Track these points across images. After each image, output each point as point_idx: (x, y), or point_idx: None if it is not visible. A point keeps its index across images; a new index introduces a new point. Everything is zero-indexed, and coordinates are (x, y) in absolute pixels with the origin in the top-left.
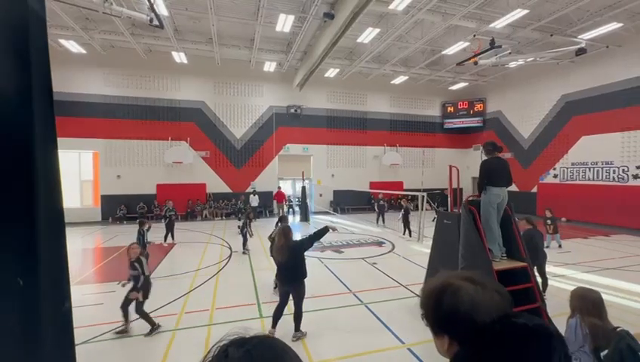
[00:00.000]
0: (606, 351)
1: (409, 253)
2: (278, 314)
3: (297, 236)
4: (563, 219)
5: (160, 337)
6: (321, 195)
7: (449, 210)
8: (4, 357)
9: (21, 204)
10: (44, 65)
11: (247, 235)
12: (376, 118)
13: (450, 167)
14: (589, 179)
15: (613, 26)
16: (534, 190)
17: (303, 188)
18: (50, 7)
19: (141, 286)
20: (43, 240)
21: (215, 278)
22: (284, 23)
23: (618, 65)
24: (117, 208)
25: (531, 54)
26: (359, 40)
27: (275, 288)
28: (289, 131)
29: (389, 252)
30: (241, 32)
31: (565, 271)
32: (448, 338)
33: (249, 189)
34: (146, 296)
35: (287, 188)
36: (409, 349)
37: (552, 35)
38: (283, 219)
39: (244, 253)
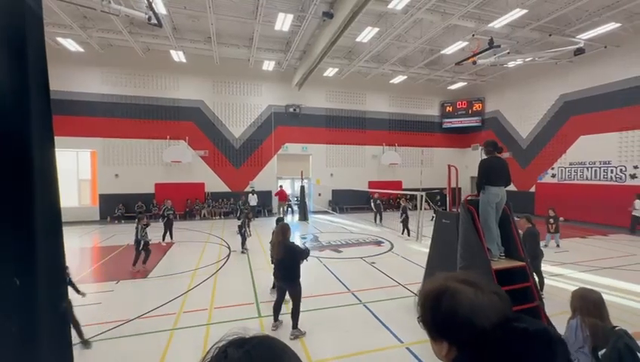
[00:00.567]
0: (604, 350)
1: (408, 253)
2: (277, 308)
3: (296, 236)
4: (561, 218)
5: (158, 337)
6: (320, 195)
7: (448, 209)
8: (1, 358)
9: (18, 204)
10: (41, 64)
11: (246, 235)
12: (375, 118)
13: (449, 166)
14: (586, 179)
15: (612, 26)
16: (532, 189)
17: (302, 187)
18: (48, 5)
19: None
20: (40, 240)
21: (214, 278)
22: (283, 21)
23: (616, 65)
24: (115, 207)
25: (530, 54)
26: (358, 39)
27: (272, 288)
28: (288, 130)
29: (387, 251)
30: (239, 30)
31: (563, 271)
32: (447, 343)
33: (248, 189)
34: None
35: (287, 187)
36: (407, 348)
37: (550, 35)
38: (280, 221)
39: (242, 252)
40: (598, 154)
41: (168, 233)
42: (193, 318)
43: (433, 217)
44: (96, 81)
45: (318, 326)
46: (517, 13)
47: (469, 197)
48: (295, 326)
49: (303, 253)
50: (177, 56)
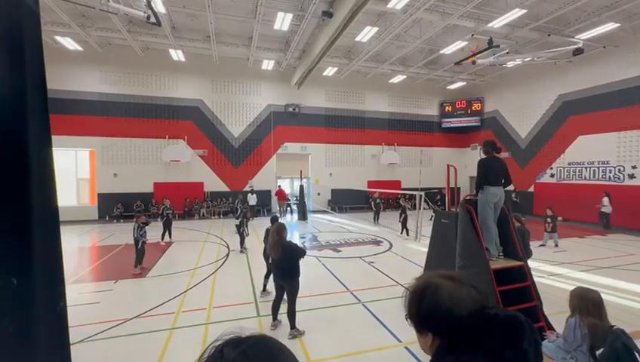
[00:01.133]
0: (602, 350)
1: (406, 252)
2: (276, 307)
3: (296, 236)
4: (560, 218)
5: (157, 336)
6: (319, 194)
7: (446, 209)
8: None
9: (15, 203)
10: (38, 62)
11: (245, 234)
12: (375, 117)
13: (448, 166)
14: (585, 179)
15: (611, 26)
16: (531, 189)
17: (301, 186)
18: (46, 4)
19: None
20: (37, 240)
21: (212, 277)
22: (283, 21)
23: (615, 65)
24: (114, 206)
25: (529, 54)
26: (357, 39)
27: (262, 291)
28: (287, 130)
29: (386, 251)
30: (239, 30)
31: (562, 270)
32: (432, 335)
33: (247, 188)
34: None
35: (286, 187)
36: (406, 347)
37: (549, 35)
38: (274, 220)
39: (241, 251)
40: (596, 154)
41: (167, 232)
42: (192, 317)
43: (432, 216)
44: (95, 80)
45: (317, 325)
46: (516, 13)
47: (468, 197)
48: (293, 326)
49: (300, 251)
50: (176, 55)
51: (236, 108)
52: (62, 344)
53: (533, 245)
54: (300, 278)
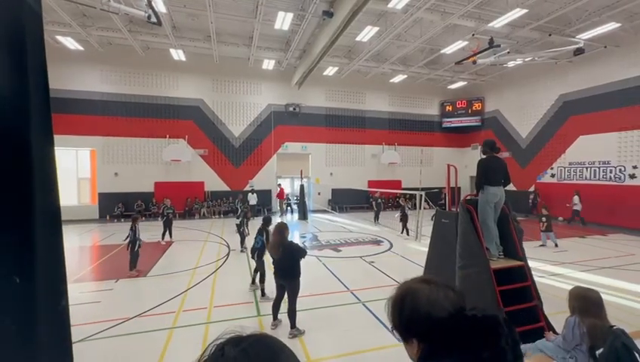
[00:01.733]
0: (601, 350)
1: (407, 252)
2: (276, 306)
3: (296, 235)
4: (560, 218)
5: (157, 335)
6: (319, 194)
7: (447, 208)
8: (0, 356)
9: (17, 202)
10: (40, 62)
11: (245, 234)
12: (375, 117)
13: (449, 165)
14: (586, 179)
15: (612, 26)
16: (532, 189)
17: (302, 186)
18: (48, 3)
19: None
20: (39, 239)
21: (213, 276)
22: (283, 20)
23: (616, 65)
24: (114, 206)
25: (530, 54)
26: (358, 38)
27: (252, 283)
28: (287, 129)
29: (386, 250)
30: (239, 29)
31: (562, 270)
32: (416, 341)
33: (247, 188)
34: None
35: (286, 186)
36: None
37: (550, 35)
38: (267, 220)
39: (242, 251)
40: (597, 154)
41: (168, 232)
42: (192, 317)
43: (434, 216)
44: (96, 79)
45: (317, 324)
46: (517, 13)
47: (468, 197)
48: (293, 325)
49: (301, 252)
50: (177, 54)
51: (237, 107)
52: (64, 342)
53: (533, 245)
54: (300, 278)
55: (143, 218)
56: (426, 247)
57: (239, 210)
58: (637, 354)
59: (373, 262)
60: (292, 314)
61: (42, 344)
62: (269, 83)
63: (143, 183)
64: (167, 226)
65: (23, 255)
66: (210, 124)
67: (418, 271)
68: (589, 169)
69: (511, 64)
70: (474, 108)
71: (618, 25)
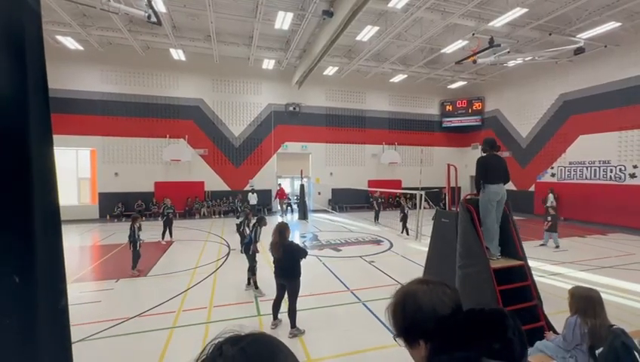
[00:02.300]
0: (601, 349)
1: (407, 252)
2: (276, 306)
3: (296, 235)
4: (561, 218)
5: (158, 335)
6: (319, 193)
7: (447, 208)
8: (1, 355)
9: (16, 203)
10: (39, 61)
11: (245, 233)
12: (375, 117)
13: (449, 165)
14: (586, 178)
15: (612, 25)
16: (532, 189)
17: (302, 186)
18: (47, 3)
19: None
20: (39, 238)
21: (213, 276)
22: (283, 20)
23: (616, 64)
24: (114, 206)
25: (530, 53)
26: (358, 38)
27: (247, 284)
28: (288, 129)
29: (386, 250)
30: (239, 29)
31: (562, 270)
32: (423, 342)
33: (247, 187)
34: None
35: (286, 186)
36: None
37: (550, 34)
38: (261, 220)
39: (242, 251)
40: (597, 153)
41: (168, 231)
42: (193, 317)
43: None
44: (96, 79)
45: (317, 324)
46: (517, 12)
47: (468, 197)
48: (293, 325)
49: (302, 252)
50: (177, 54)
51: (237, 107)
52: (64, 342)
53: (533, 244)
54: (300, 278)
55: (144, 218)
56: (426, 247)
57: (239, 210)
58: (637, 354)
59: (373, 261)
60: (292, 313)
61: (42, 344)
62: (269, 83)
63: (143, 183)
64: (168, 226)
65: (23, 255)
66: (210, 124)
67: (418, 271)
68: (589, 168)
69: (511, 63)
70: (474, 107)
71: (618, 24)
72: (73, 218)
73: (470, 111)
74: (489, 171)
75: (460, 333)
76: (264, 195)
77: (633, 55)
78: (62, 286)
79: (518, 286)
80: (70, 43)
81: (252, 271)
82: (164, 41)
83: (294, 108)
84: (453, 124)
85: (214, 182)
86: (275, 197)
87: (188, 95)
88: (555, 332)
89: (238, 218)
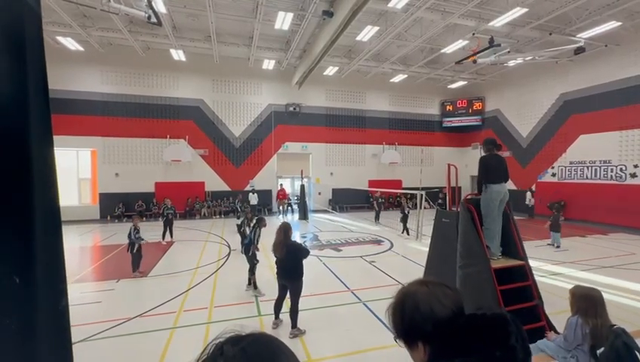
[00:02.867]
0: (602, 349)
1: (407, 252)
2: (278, 306)
3: (297, 235)
4: (562, 217)
5: (158, 335)
6: (320, 193)
7: (447, 208)
8: (1, 355)
9: (17, 203)
10: (39, 62)
11: (245, 234)
12: (375, 117)
13: (449, 165)
14: (587, 178)
15: (612, 24)
16: (533, 188)
17: (302, 186)
18: (48, 4)
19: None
20: (39, 239)
21: (213, 276)
22: (283, 20)
23: (616, 64)
24: (115, 206)
25: (530, 53)
26: (358, 38)
27: (248, 284)
28: (288, 129)
29: (387, 250)
30: (239, 29)
31: (563, 270)
32: (422, 345)
33: (248, 188)
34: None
35: (287, 186)
36: None
37: (550, 34)
38: (260, 221)
39: (242, 251)
40: (598, 153)
41: (168, 232)
42: (193, 317)
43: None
44: (96, 79)
45: (318, 324)
46: (517, 12)
47: (469, 196)
48: (294, 325)
49: (304, 252)
50: (177, 54)
51: (237, 107)
52: (64, 343)
53: (534, 244)
54: (303, 278)
55: (144, 218)
56: (426, 247)
57: (239, 210)
58: (638, 354)
59: (373, 261)
60: (294, 314)
61: (42, 344)
62: (269, 83)
63: (143, 183)
64: (168, 226)
65: (23, 255)
66: (211, 124)
67: (419, 271)
68: (589, 168)
69: (511, 63)
70: (474, 107)
71: (619, 24)
72: (74, 218)
73: (470, 111)
74: (491, 171)
75: (460, 339)
76: (264, 195)
77: (633, 54)
78: (62, 286)
79: (519, 286)
80: (70, 44)
81: (252, 271)
82: (164, 41)
83: (294, 109)
84: (453, 124)
85: (215, 183)
86: (277, 198)
87: (188, 95)
88: (556, 332)
89: (238, 218)
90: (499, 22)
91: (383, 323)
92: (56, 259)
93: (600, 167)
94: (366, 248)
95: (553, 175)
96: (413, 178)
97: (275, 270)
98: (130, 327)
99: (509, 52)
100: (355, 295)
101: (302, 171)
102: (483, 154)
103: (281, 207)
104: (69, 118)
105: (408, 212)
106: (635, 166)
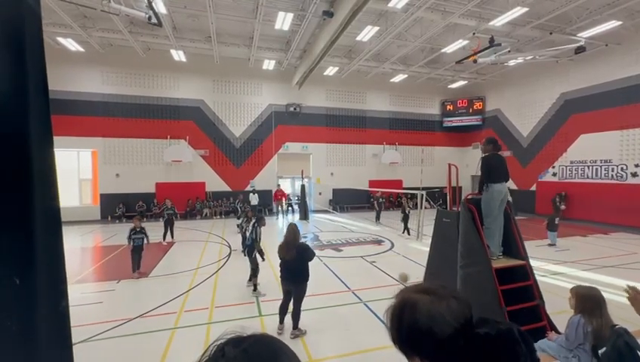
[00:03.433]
0: (604, 349)
1: (408, 252)
2: (283, 310)
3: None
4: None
5: (159, 336)
6: (320, 194)
7: (448, 208)
8: (1, 357)
9: (17, 204)
10: (39, 62)
11: (247, 234)
12: (376, 117)
13: (450, 165)
14: (587, 178)
15: (613, 24)
16: (533, 188)
17: (303, 186)
18: (48, 5)
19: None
20: (39, 240)
21: (214, 277)
22: (283, 20)
23: (617, 63)
24: (116, 207)
25: (530, 52)
26: (358, 38)
27: (249, 280)
28: (288, 130)
29: (388, 250)
30: (240, 30)
31: (564, 269)
32: (419, 359)
33: (248, 188)
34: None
35: (287, 186)
36: None
37: (551, 33)
38: (260, 220)
39: (243, 251)
40: (599, 152)
41: (169, 232)
42: (194, 317)
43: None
44: (97, 80)
45: (319, 325)
46: (517, 12)
47: (470, 196)
48: (295, 326)
49: (311, 253)
50: (177, 55)
51: (237, 108)
52: (64, 343)
53: (535, 244)
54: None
55: (144, 218)
56: (427, 247)
57: (239, 211)
58: (639, 353)
59: (374, 261)
60: (297, 315)
61: (42, 345)
62: (269, 83)
63: (144, 184)
64: (169, 227)
65: (24, 256)
66: (211, 125)
67: (420, 271)
68: (590, 167)
69: (512, 63)
70: (475, 107)
71: (619, 23)
72: (75, 219)
73: (471, 110)
74: (492, 170)
75: (460, 360)
76: (265, 196)
77: (634, 54)
78: (62, 287)
79: (520, 285)
80: (71, 44)
81: (254, 274)
82: (164, 42)
83: (295, 109)
84: (453, 124)
85: (215, 183)
86: (275, 199)
87: (188, 96)
88: (557, 331)
89: (238, 218)
90: (499, 21)
91: (384, 324)
92: (56, 259)
93: (601, 167)
94: (367, 248)
95: (554, 174)
96: (413, 178)
97: (279, 273)
98: (131, 328)
99: (509, 51)
100: (355, 295)
101: (302, 171)
102: (483, 153)
103: (279, 208)
104: (70, 119)
105: (409, 212)
106: (636, 165)
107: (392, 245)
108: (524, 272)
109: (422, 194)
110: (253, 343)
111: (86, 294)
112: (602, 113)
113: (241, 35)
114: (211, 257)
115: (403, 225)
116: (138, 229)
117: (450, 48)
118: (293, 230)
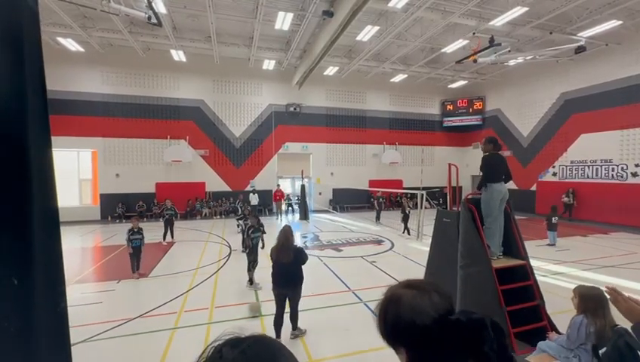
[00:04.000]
0: (604, 349)
1: (408, 252)
2: (279, 322)
3: (297, 235)
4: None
5: (159, 336)
6: (320, 194)
7: (448, 207)
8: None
9: (15, 204)
10: (37, 62)
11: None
12: (376, 116)
13: (450, 165)
14: (588, 177)
15: (613, 23)
16: (533, 188)
17: (303, 186)
18: (48, 5)
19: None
20: (38, 240)
21: (214, 277)
22: (283, 20)
23: (617, 63)
24: (116, 207)
25: (531, 52)
26: (358, 38)
27: (250, 284)
28: (288, 130)
29: (388, 250)
30: (240, 30)
31: (565, 269)
32: (405, 351)
33: (248, 188)
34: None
35: (287, 186)
36: None
37: (551, 33)
38: (256, 218)
39: (243, 251)
40: (599, 152)
41: (169, 232)
42: (194, 317)
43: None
44: (97, 80)
45: (319, 325)
46: (518, 11)
47: (470, 196)
48: (295, 327)
49: (305, 255)
50: (177, 55)
51: (237, 108)
52: (63, 344)
53: (535, 244)
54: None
55: (144, 219)
56: (427, 247)
57: (239, 211)
58: None
59: (374, 261)
60: (295, 317)
61: (41, 346)
62: (269, 83)
63: (144, 184)
64: (169, 227)
65: (22, 256)
66: (211, 125)
67: (420, 271)
68: (590, 167)
69: (512, 63)
70: (475, 107)
71: (619, 22)
72: (75, 219)
73: (471, 110)
74: (492, 170)
75: (434, 347)
76: (265, 196)
77: (634, 53)
78: (61, 288)
79: (521, 285)
80: (71, 44)
81: (253, 265)
82: (164, 42)
83: (295, 109)
84: (454, 124)
85: (215, 183)
86: (274, 200)
87: (188, 96)
88: (557, 332)
89: (238, 218)
90: (499, 21)
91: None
92: (55, 260)
93: (601, 167)
94: (367, 248)
95: (554, 174)
96: (413, 178)
97: (271, 279)
98: (131, 328)
99: (509, 51)
100: (356, 295)
101: (302, 171)
102: (483, 153)
103: (278, 208)
104: (70, 119)
105: (409, 212)
106: (637, 165)
107: (392, 245)
108: (525, 272)
109: (422, 194)
110: (252, 344)
111: (86, 294)
112: (602, 113)
113: (241, 35)
114: (211, 257)
115: (403, 225)
116: (136, 230)
117: (450, 48)
118: (288, 232)
